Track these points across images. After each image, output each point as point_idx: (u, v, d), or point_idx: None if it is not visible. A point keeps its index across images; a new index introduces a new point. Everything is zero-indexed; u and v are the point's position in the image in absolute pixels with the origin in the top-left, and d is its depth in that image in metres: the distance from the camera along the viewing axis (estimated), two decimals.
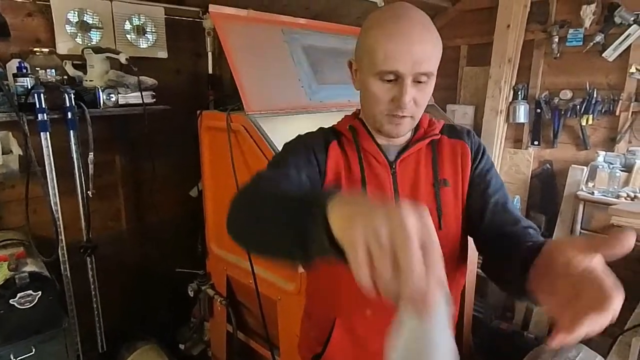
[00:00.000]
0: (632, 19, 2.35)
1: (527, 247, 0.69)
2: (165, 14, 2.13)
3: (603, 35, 2.44)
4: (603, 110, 2.54)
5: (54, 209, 1.66)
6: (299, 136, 0.91)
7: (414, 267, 0.39)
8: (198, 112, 2.00)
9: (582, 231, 2.43)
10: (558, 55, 2.67)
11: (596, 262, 0.47)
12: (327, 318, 0.94)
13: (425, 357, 0.42)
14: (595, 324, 0.43)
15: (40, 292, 1.47)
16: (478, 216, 0.88)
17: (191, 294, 2.15)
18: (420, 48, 0.75)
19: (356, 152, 0.88)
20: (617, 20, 2.38)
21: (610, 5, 2.43)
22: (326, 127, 0.95)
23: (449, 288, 0.96)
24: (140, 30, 2.06)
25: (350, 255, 0.42)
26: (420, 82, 0.79)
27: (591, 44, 2.49)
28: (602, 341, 2.36)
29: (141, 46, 2.08)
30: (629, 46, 2.41)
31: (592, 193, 2.39)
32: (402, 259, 0.39)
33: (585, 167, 2.55)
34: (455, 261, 0.91)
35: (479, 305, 2.80)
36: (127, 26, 2.02)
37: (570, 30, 2.58)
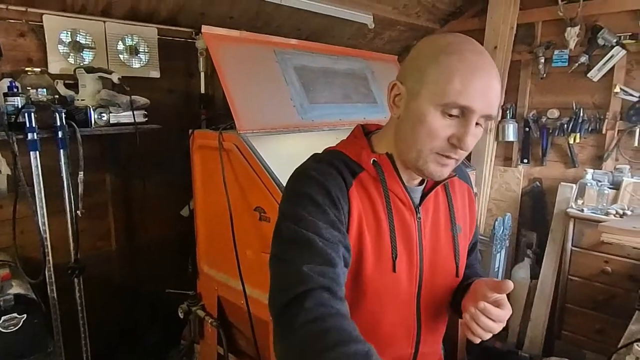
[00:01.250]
0: (615, 40, 2.42)
1: (466, 284, 0.87)
2: (159, 35, 2.15)
3: (587, 56, 2.51)
4: (590, 129, 2.59)
5: (41, 229, 1.63)
6: (311, 176, 0.74)
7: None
8: (190, 131, 2.00)
9: (573, 248, 2.45)
10: (544, 75, 2.73)
11: (500, 296, 0.75)
12: None
13: None
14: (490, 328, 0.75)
15: (25, 315, 1.44)
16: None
17: (181, 315, 2.10)
18: (496, 90, 0.69)
19: (383, 195, 0.77)
20: (601, 42, 2.45)
21: (593, 27, 2.50)
22: (331, 152, 0.81)
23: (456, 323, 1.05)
24: (133, 50, 2.07)
25: None
26: (478, 124, 0.71)
27: (576, 64, 2.55)
28: (597, 359, 2.35)
29: (134, 66, 2.09)
30: (613, 67, 2.47)
31: (582, 210, 2.42)
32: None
33: (574, 185, 2.58)
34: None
35: None
36: (120, 46, 2.03)
37: (556, 52, 2.65)
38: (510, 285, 0.71)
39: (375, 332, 0.80)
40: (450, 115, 0.69)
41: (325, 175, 0.74)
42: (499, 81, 0.70)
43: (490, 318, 0.73)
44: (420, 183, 0.83)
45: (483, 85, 0.67)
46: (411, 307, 0.83)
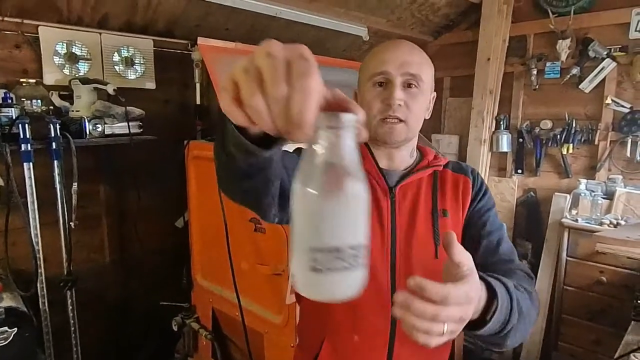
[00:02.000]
0: (605, 53, 2.46)
1: None
2: (154, 46, 2.16)
3: (579, 68, 2.55)
4: (582, 140, 2.62)
5: (34, 240, 1.61)
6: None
7: (274, 81, 0.35)
8: (185, 142, 2.00)
9: (568, 258, 2.45)
10: (537, 87, 2.76)
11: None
12: (317, 338, 0.93)
13: (320, 178, 0.38)
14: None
15: (16, 329, 1.41)
16: (471, 253, 0.87)
17: (175, 328, 2.08)
18: (409, 54, 0.85)
19: None
20: (592, 54, 2.49)
21: (584, 40, 2.54)
22: None
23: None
24: (129, 62, 2.08)
25: (220, 89, 0.41)
26: (410, 87, 0.84)
27: (568, 76, 2.58)
28: None
29: (129, 77, 2.10)
30: (604, 78, 2.51)
31: (576, 220, 2.43)
32: (264, 78, 0.36)
33: (568, 195, 2.60)
34: None
35: (469, 335, 2.76)
36: (116, 58, 2.04)
37: (548, 64, 2.69)
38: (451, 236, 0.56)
39: (351, 302, 0.84)
40: (380, 84, 0.85)
41: None
42: (410, 49, 0.87)
43: (430, 301, 0.49)
44: (408, 171, 0.92)
45: (391, 53, 0.85)
46: (384, 279, 0.86)
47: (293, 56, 0.36)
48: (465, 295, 0.51)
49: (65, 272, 1.76)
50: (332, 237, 0.38)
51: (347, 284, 0.40)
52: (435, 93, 0.94)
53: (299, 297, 1.02)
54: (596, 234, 2.05)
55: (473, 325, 0.57)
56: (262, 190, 0.61)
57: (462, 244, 0.87)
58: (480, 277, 0.57)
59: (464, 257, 0.54)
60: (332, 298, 0.40)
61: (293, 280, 0.41)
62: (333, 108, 0.39)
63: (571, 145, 2.64)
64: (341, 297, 0.40)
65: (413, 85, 0.85)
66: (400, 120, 0.85)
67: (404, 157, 0.93)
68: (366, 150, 0.91)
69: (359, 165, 0.40)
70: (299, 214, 0.39)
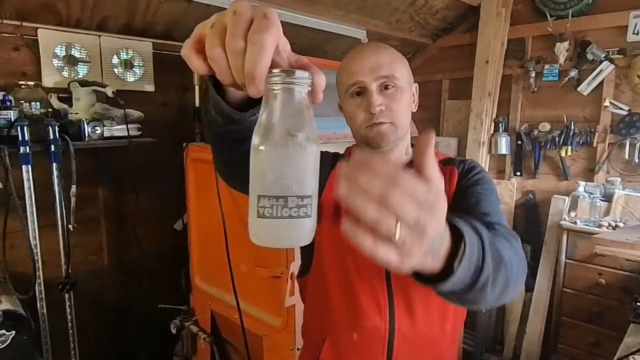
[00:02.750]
0: (603, 55, 2.47)
1: None
2: (153, 49, 2.16)
3: (577, 70, 2.55)
4: (581, 142, 2.62)
5: (32, 243, 1.61)
6: None
7: (233, 36, 0.38)
8: (184, 144, 2.00)
9: (567, 260, 2.45)
10: (535, 89, 2.77)
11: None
12: (319, 338, 0.94)
13: (276, 128, 0.41)
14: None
15: (14, 332, 1.41)
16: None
17: (174, 330, 2.07)
18: (375, 57, 0.85)
19: None
20: (590, 56, 2.50)
21: (582, 42, 2.55)
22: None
23: (443, 327, 0.90)
24: (128, 64, 2.08)
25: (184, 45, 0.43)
26: (387, 88, 0.85)
27: (566, 79, 2.59)
28: None
29: (128, 80, 2.10)
30: (602, 81, 2.52)
31: (575, 222, 2.43)
32: (227, 29, 0.38)
33: (566, 197, 2.60)
34: None
35: (468, 338, 2.76)
36: (115, 60, 2.04)
37: (546, 66, 2.69)
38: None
39: (350, 301, 0.87)
40: (357, 94, 0.86)
41: (324, 152, 0.91)
42: (376, 52, 0.86)
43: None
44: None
45: (360, 62, 0.85)
46: (380, 278, 0.86)
47: (256, 15, 0.39)
48: (425, 195, 0.36)
49: (64, 275, 1.76)
50: (277, 186, 0.40)
51: (291, 231, 0.41)
52: (416, 84, 0.94)
53: (304, 297, 1.02)
54: (595, 236, 2.05)
55: (440, 276, 0.46)
56: (242, 164, 0.62)
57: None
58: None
59: (435, 175, 0.41)
60: (276, 244, 0.42)
61: (248, 228, 0.43)
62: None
63: (570, 147, 2.64)
64: (286, 244, 0.42)
65: (389, 86, 0.85)
66: (386, 122, 0.85)
67: (398, 155, 0.93)
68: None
69: (310, 121, 0.42)
70: (252, 163, 0.42)
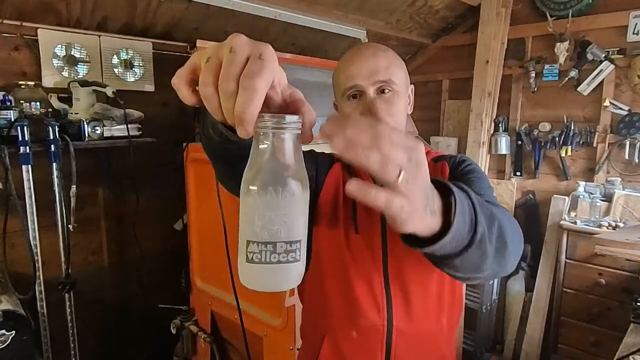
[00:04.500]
0: (603, 55, 2.47)
1: None
2: (153, 49, 2.16)
3: (577, 70, 2.55)
4: (581, 142, 2.62)
5: (32, 243, 1.61)
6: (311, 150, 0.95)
7: (226, 78, 0.37)
8: (184, 144, 1.99)
9: (567, 261, 2.45)
10: (535, 89, 2.77)
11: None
12: (318, 337, 0.94)
13: (263, 175, 0.41)
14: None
15: (14, 332, 1.41)
16: None
17: (174, 330, 2.07)
18: (373, 60, 0.84)
19: (349, 175, 0.92)
20: (590, 56, 2.50)
21: (582, 42, 2.55)
22: None
23: (440, 321, 0.91)
24: (128, 64, 2.08)
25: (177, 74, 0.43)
26: (384, 92, 0.85)
27: (566, 79, 2.59)
28: None
29: (128, 80, 2.10)
30: (602, 81, 2.52)
31: (575, 222, 2.43)
32: (221, 69, 0.38)
33: (566, 197, 2.60)
34: (444, 287, 0.90)
35: (468, 338, 2.76)
36: (115, 60, 2.04)
37: (546, 66, 2.69)
38: None
39: (347, 299, 0.87)
40: (354, 97, 0.86)
41: (319, 152, 0.95)
42: (374, 54, 0.85)
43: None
44: None
45: (357, 65, 0.84)
46: (377, 276, 0.86)
47: (252, 55, 0.38)
48: (403, 138, 0.39)
49: (64, 275, 1.76)
50: (265, 232, 0.40)
51: (280, 276, 0.42)
52: (412, 85, 0.94)
53: (302, 298, 1.02)
54: (595, 236, 2.05)
55: (441, 235, 0.47)
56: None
57: None
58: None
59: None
60: (264, 288, 0.43)
61: (238, 271, 0.43)
62: (288, 107, 0.42)
63: (570, 147, 2.64)
64: (274, 288, 0.43)
65: (387, 90, 0.85)
66: None
67: None
68: None
69: (299, 165, 0.42)
70: (241, 206, 0.42)
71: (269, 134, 0.40)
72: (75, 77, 1.91)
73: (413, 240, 0.48)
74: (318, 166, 0.91)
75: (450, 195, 0.47)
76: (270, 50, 0.40)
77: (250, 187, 0.40)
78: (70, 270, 1.76)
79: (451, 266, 0.55)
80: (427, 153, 0.95)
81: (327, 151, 0.99)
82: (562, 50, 2.57)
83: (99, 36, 1.98)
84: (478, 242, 0.51)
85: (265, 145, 0.41)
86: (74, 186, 1.72)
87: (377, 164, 0.37)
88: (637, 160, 2.43)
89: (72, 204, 1.72)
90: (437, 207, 0.45)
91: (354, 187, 0.38)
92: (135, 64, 2.10)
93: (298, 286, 1.02)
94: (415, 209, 0.40)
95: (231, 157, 0.57)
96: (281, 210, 0.41)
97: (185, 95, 0.42)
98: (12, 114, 1.55)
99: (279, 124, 0.40)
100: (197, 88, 0.41)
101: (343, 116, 0.38)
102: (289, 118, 0.40)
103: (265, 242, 0.40)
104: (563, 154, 2.67)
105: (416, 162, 0.39)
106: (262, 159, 0.41)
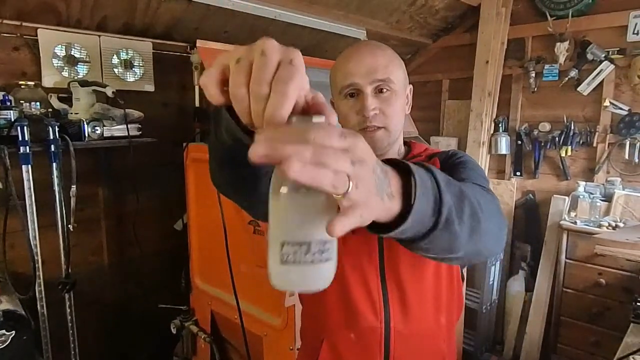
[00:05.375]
0: (603, 55, 2.47)
1: None
2: (153, 49, 2.16)
3: (577, 70, 2.55)
4: (581, 142, 2.62)
5: (32, 243, 1.61)
6: None
7: (259, 81, 0.38)
8: (184, 144, 2.00)
9: (567, 260, 2.45)
10: (535, 89, 2.77)
11: None
12: (317, 339, 0.94)
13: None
14: None
15: (14, 332, 1.41)
16: None
17: (174, 330, 2.07)
18: (372, 59, 0.83)
19: None
20: (590, 56, 2.50)
21: (582, 42, 2.55)
22: None
23: (438, 320, 0.91)
24: (128, 64, 2.08)
25: (205, 73, 0.42)
26: (382, 92, 0.84)
27: (566, 78, 2.59)
28: None
29: (128, 80, 2.10)
30: (602, 81, 2.52)
31: (575, 222, 2.43)
32: (252, 74, 0.38)
33: (566, 197, 2.60)
34: (441, 285, 0.90)
35: (468, 338, 2.76)
36: (115, 60, 2.04)
37: (546, 66, 2.69)
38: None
39: (345, 301, 0.87)
40: (351, 95, 0.85)
41: None
42: (373, 53, 0.84)
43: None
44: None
45: (356, 63, 0.83)
46: (374, 277, 0.86)
47: (283, 60, 0.39)
48: (339, 141, 0.36)
49: (64, 275, 1.76)
50: (300, 232, 0.41)
51: (315, 276, 0.43)
52: (411, 86, 0.93)
53: (301, 300, 1.03)
54: (595, 236, 2.05)
55: (404, 217, 0.45)
56: (250, 186, 0.63)
57: None
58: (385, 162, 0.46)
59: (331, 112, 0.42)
60: (301, 289, 0.44)
61: (269, 273, 0.43)
62: (311, 109, 0.42)
63: (570, 147, 2.64)
64: (310, 288, 0.43)
65: (384, 90, 0.84)
66: (380, 127, 0.84)
67: (392, 157, 0.91)
68: None
69: None
70: (273, 209, 0.42)
71: None
72: (75, 77, 1.91)
73: (375, 226, 0.46)
74: None
75: (411, 176, 0.46)
76: (300, 56, 0.40)
77: (282, 188, 0.41)
78: (70, 270, 1.76)
79: (419, 249, 0.53)
80: (425, 150, 0.94)
81: None
82: (562, 50, 2.57)
83: (99, 36, 1.98)
84: (444, 222, 0.50)
85: None
86: (74, 186, 1.72)
87: (329, 185, 0.35)
88: (637, 160, 2.43)
89: (72, 204, 1.72)
90: (395, 190, 0.44)
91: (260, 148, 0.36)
92: (135, 64, 2.10)
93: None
94: (368, 201, 0.39)
95: (238, 162, 0.57)
96: (315, 209, 0.41)
97: (214, 95, 0.43)
98: (12, 114, 1.55)
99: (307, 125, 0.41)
100: (224, 89, 0.42)
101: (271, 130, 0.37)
102: (317, 118, 0.41)
103: (300, 242, 0.41)
104: (563, 154, 2.67)
105: (360, 160, 0.37)
106: None
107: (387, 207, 0.43)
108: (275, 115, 0.38)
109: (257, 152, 0.35)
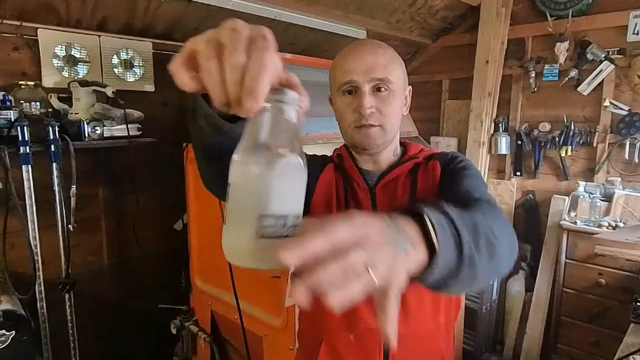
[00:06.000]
0: (603, 55, 2.47)
1: None
2: (153, 49, 2.16)
3: (577, 70, 2.55)
4: (581, 142, 2.62)
5: (32, 243, 1.61)
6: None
7: (234, 50, 0.37)
8: (184, 144, 1.99)
9: (567, 261, 2.45)
10: (535, 89, 2.77)
11: None
12: (315, 340, 0.94)
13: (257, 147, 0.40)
14: None
15: (14, 332, 1.41)
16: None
17: (174, 330, 2.07)
18: (372, 57, 0.83)
19: (342, 177, 0.93)
20: (590, 56, 2.50)
21: (582, 42, 2.55)
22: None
23: (437, 320, 0.91)
24: (128, 64, 2.08)
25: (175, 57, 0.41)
26: (380, 91, 0.84)
27: (566, 78, 2.59)
28: None
29: (128, 80, 2.10)
30: (602, 81, 2.52)
31: (575, 222, 2.43)
32: (225, 47, 0.37)
33: (566, 197, 2.60)
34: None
35: (468, 337, 2.76)
36: (115, 60, 2.04)
37: (546, 66, 2.69)
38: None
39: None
40: (349, 93, 0.85)
41: (310, 155, 0.90)
42: (373, 52, 0.84)
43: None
44: (388, 169, 0.91)
45: (355, 60, 0.84)
46: None
47: (255, 34, 0.39)
48: (347, 231, 0.38)
49: (64, 275, 1.76)
50: (279, 205, 0.40)
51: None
52: (410, 87, 0.93)
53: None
54: (595, 236, 2.05)
55: (432, 263, 0.46)
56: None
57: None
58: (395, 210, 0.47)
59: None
60: (271, 265, 0.41)
61: (229, 251, 0.42)
62: (285, 86, 0.42)
63: (570, 147, 2.64)
64: (279, 265, 0.40)
65: (382, 89, 0.84)
66: (375, 125, 0.85)
67: (387, 157, 0.93)
68: (347, 153, 0.94)
69: (300, 140, 0.43)
70: (245, 182, 0.41)
71: (273, 106, 0.41)
72: (75, 77, 1.91)
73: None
74: (308, 169, 0.89)
75: (426, 221, 0.46)
76: (270, 32, 0.40)
77: (256, 161, 0.40)
78: (70, 270, 1.76)
79: (446, 288, 0.52)
80: (421, 151, 0.94)
81: (319, 152, 1.00)
82: (562, 50, 2.57)
83: (99, 36, 1.98)
84: (468, 260, 0.50)
85: (271, 119, 0.41)
86: (74, 186, 1.72)
87: (361, 292, 0.37)
88: (637, 160, 2.43)
89: (72, 204, 1.72)
90: (415, 240, 0.44)
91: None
92: (135, 64, 2.10)
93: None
94: (393, 269, 0.39)
95: (219, 151, 0.57)
96: (291, 182, 0.41)
97: (185, 80, 0.41)
98: (12, 114, 1.55)
99: (285, 97, 0.41)
100: (195, 74, 0.41)
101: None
102: (292, 93, 0.41)
103: (279, 215, 0.40)
104: (563, 154, 2.67)
105: (369, 243, 0.37)
106: (267, 132, 0.41)
107: (412, 260, 0.43)
108: (258, 83, 0.37)
109: (301, 300, 0.36)
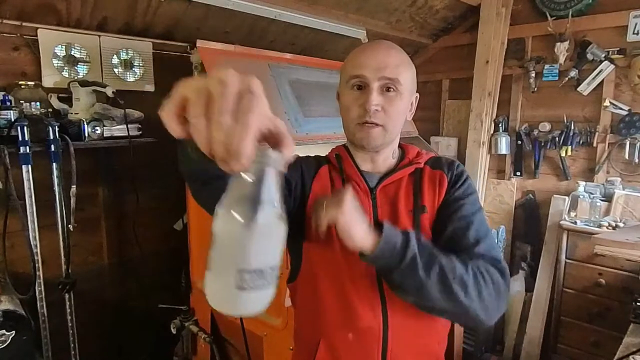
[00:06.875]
0: (603, 55, 2.47)
1: None
2: (153, 49, 2.16)
3: (577, 70, 2.55)
4: (581, 142, 2.62)
5: (32, 243, 1.61)
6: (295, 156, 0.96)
7: (221, 111, 0.38)
8: None
9: (567, 261, 2.45)
10: (535, 89, 2.77)
11: None
12: (313, 340, 0.94)
13: (241, 208, 0.42)
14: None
15: (14, 332, 1.41)
16: (436, 238, 0.87)
17: (174, 330, 2.07)
18: (385, 57, 0.84)
19: (341, 178, 0.92)
20: (590, 56, 2.50)
21: (582, 42, 2.55)
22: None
23: (434, 322, 0.92)
24: (128, 64, 2.08)
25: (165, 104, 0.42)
26: (388, 91, 0.85)
27: (566, 78, 2.59)
28: None
29: (128, 80, 2.10)
30: (602, 81, 2.52)
31: (575, 222, 2.43)
32: (213, 104, 0.38)
33: (566, 197, 2.60)
34: None
35: (468, 338, 2.76)
36: (115, 60, 2.04)
37: (546, 66, 2.69)
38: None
39: (343, 302, 0.88)
40: (358, 88, 0.86)
41: (303, 158, 0.96)
42: (387, 52, 0.85)
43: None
44: (388, 172, 0.93)
45: (368, 57, 0.85)
46: (371, 277, 0.87)
47: (243, 89, 0.39)
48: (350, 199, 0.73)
49: (64, 275, 1.76)
50: (257, 260, 0.43)
51: (265, 299, 0.46)
52: (417, 94, 0.93)
53: (295, 302, 1.02)
54: (595, 236, 2.05)
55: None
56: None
57: (432, 229, 0.89)
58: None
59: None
60: (250, 312, 0.46)
61: (210, 296, 0.45)
62: (271, 138, 0.43)
63: (570, 147, 2.64)
64: (257, 311, 0.46)
65: (391, 89, 0.85)
66: (378, 125, 0.85)
67: (385, 158, 0.93)
68: (346, 154, 0.94)
69: (280, 197, 0.45)
70: (226, 237, 0.43)
71: (256, 167, 0.42)
72: (75, 77, 1.90)
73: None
74: (303, 172, 0.90)
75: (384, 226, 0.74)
76: (258, 82, 0.41)
77: (237, 217, 0.42)
78: (70, 270, 1.76)
79: (393, 282, 0.75)
80: (418, 154, 0.95)
81: (319, 153, 1.00)
82: (562, 50, 2.57)
83: (99, 36, 1.98)
84: (409, 262, 0.72)
85: (252, 178, 0.42)
86: (74, 186, 1.72)
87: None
88: (637, 160, 2.43)
89: (72, 204, 1.72)
90: (370, 226, 0.73)
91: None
92: (135, 64, 2.10)
93: (290, 292, 1.02)
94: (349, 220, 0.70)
95: (210, 177, 0.60)
96: (269, 239, 0.44)
97: (175, 129, 0.43)
98: (12, 114, 1.55)
99: (268, 159, 0.43)
100: (184, 120, 0.42)
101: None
102: (275, 154, 0.43)
103: (257, 269, 0.43)
104: (563, 154, 2.67)
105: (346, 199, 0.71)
106: (249, 190, 0.42)
107: (359, 230, 0.71)
108: (242, 146, 0.38)
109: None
